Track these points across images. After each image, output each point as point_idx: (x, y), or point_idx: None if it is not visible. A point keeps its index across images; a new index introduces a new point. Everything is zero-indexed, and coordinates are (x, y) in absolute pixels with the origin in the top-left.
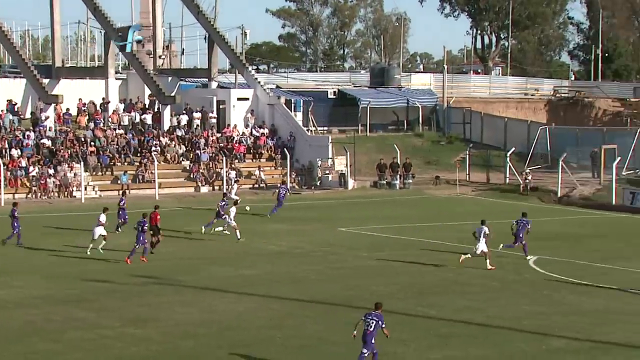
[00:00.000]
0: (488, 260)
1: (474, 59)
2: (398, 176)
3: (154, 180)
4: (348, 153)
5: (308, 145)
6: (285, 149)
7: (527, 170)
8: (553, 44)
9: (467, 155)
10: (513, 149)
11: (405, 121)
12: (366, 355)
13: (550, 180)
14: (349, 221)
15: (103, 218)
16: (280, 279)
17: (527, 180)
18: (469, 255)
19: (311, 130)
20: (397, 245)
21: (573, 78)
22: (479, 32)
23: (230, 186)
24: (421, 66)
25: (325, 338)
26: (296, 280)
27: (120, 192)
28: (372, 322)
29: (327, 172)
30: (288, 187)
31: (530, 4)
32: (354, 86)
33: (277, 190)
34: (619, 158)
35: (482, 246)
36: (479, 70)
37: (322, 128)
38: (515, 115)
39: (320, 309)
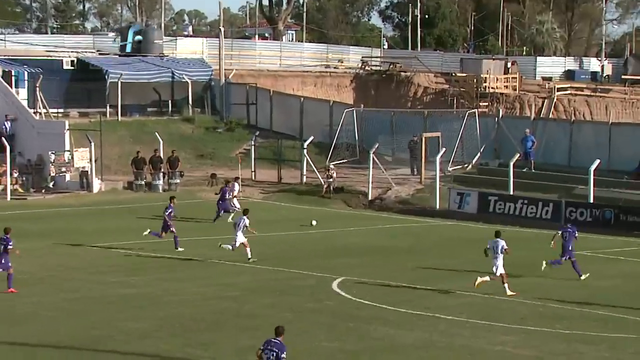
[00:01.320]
0: (506, 285)
1: (260, 19)
2: (161, 175)
3: None
4: (92, 144)
5: (36, 133)
6: (1, 139)
7: (331, 166)
8: (360, 1)
9: (253, 147)
10: (311, 138)
11: (170, 101)
12: None
13: (360, 179)
14: (94, 236)
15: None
16: None
17: (331, 179)
18: (487, 278)
19: (40, 113)
20: (161, 266)
21: (386, 46)
22: None
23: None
24: (190, 28)
25: None
26: (20, 318)
27: None
28: (272, 355)
29: (64, 169)
30: None
31: None
32: (99, 54)
33: None
34: (444, 149)
35: (500, 266)
36: (267, 35)
37: (55, 110)
38: (314, 94)
39: (56, 357)
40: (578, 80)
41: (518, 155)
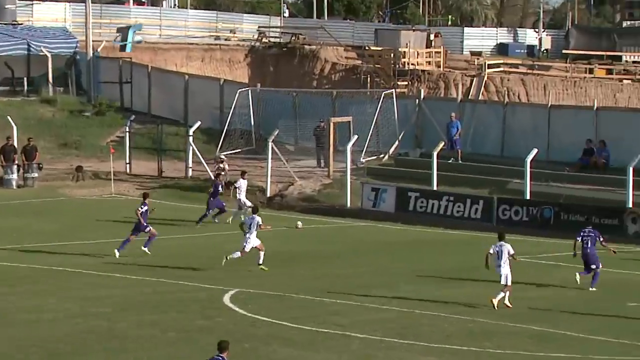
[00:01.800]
0: (507, 294)
1: None
2: (15, 167)
3: None
4: None
5: None
6: None
7: (221, 157)
8: None
9: (127, 134)
10: (199, 123)
11: (25, 79)
12: None
13: (256, 172)
14: None
15: None
16: None
17: (222, 173)
18: (502, 295)
19: None
20: (16, 277)
21: (287, 14)
22: None
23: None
24: None
25: None
26: None
27: None
28: None
29: None
30: None
31: None
32: None
33: None
34: (356, 137)
35: (509, 275)
36: (144, 0)
37: None
38: (202, 71)
39: None
40: (512, 56)
41: (443, 143)
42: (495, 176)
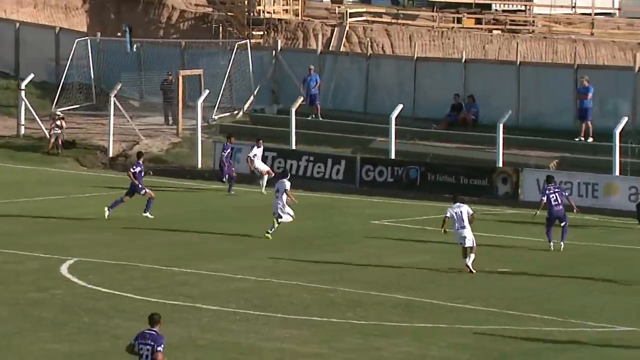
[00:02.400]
0: (473, 257)
1: None
2: None
3: None
4: None
5: None
6: None
7: (58, 114)
8: None
9: None
10: (31, 76)
11: None
12: None
13: (97, 130)
14: None
15: None
16: None
17: (58, 131)
18: (473, 257)
19: None
20: None
21: None
22: None
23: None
24: None
25: None
26: None
27: None
28: (146, 349)
29: None
30: None
31: None
32: None
33: None
34: (207, 92)
35: (471, 236)
36: None
37: None
38: (34, 19)
39: None
40: (375, 4)
41: (301, 99)
42: (358, 134)
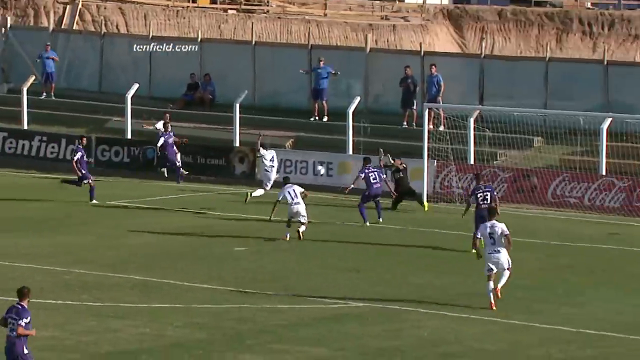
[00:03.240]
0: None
1: None
2: None
3: None
4: None
5: None
6: None
7: None
8: None
9: None
10: None
11: None
12: None
13: None
14: None
15: None
16: None
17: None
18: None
19: None
20: None
21: None
22: None
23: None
24: None
25: None
26: None
27: None
28: (11, 323)
29: None
30: None
31: None
32: None
33: None
34: None
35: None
36: None
37: None
38: None
39: None
40: None
41: (34, 78)
42: (93, 114)
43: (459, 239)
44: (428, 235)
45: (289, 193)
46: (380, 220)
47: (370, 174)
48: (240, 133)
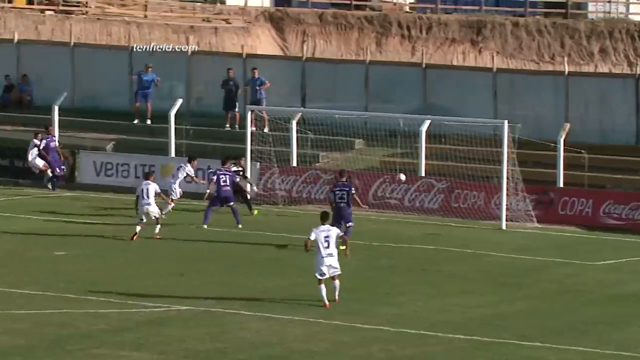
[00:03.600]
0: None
1: None
2: None
3: None
4: None
5: None
6: None
7: None
8: None
9: None
10: None
11: None
12: None
13: None
14: None
15: None
16: None
17: None
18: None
19: None
20: None
21: None
22: None
23: None
24: None
25: None
26: None
27: None
28: None
29: None
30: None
31: None
32: None
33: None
34: None
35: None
36: None
37: None
38: None
39: None
40: None
41: None
42: None
43: (284, 240)
44: (254, 237)
45: (142, 190)
46: (240, 226)
47: (221, 176)
48: (59, 135)
